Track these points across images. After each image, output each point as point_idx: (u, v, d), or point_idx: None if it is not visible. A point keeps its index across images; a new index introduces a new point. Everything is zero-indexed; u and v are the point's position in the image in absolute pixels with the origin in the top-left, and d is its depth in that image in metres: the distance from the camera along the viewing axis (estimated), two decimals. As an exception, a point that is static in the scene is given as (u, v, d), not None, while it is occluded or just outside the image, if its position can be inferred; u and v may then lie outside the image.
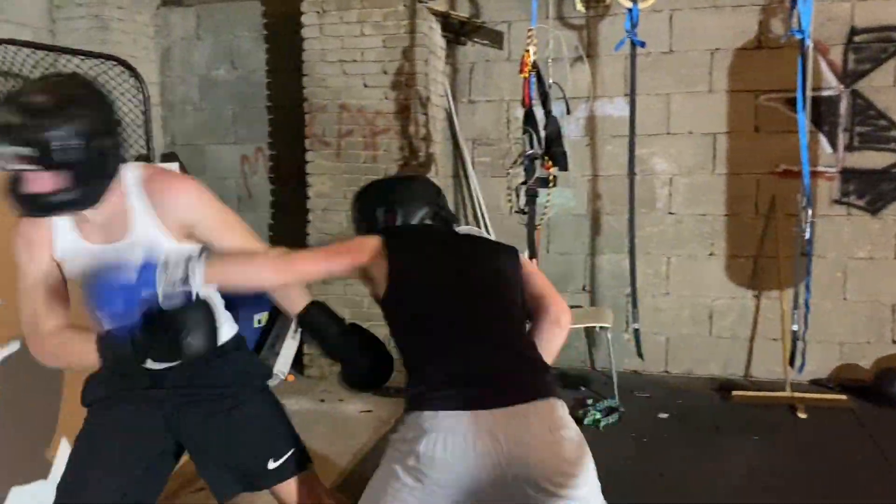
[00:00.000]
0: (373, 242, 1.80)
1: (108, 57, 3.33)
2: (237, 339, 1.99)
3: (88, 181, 1.62)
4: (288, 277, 1.81)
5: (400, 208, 1.93)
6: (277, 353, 4.71)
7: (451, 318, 1.72)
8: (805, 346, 4.02)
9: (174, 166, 3.55)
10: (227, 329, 1.94)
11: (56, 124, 1.52)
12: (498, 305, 1.78)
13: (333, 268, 1.83)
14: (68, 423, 2.37)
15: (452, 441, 1.54)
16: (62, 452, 2.49)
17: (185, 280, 1.56)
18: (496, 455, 1.54)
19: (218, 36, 5.20)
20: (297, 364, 4.80)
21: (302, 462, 1.98)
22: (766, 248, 4.46)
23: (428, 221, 1.95)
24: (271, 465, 1.93)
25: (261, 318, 4.91)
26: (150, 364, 1.77)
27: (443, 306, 1.73)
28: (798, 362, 4.05)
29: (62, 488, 1.84)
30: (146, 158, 3.42)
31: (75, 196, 1.61)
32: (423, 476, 1.56)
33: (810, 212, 3.89)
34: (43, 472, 2.45)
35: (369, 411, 4.15)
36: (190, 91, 5.30)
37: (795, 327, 3.99)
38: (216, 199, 1.85)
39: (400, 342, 1.76)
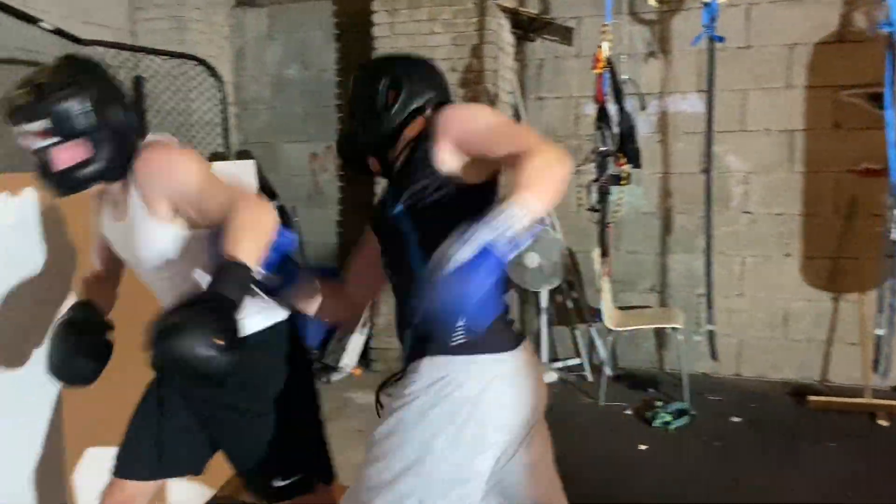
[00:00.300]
0: None
1: (190, 57, 3.43)
2: (258, 336, 1.79)
3: (107, 151, 1.65)
4: None
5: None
6: (344, 348, 4.78)
7: None
8: (890, 352, 3.86)
9: (249, 164, 3.63)
10: (257, 320, 1.79)
11: (65, 94, 1.59)
12: None
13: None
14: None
15: None
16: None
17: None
18: None
19: (290, 35, 5.30)
20: (364, 358, 4.86)
21: (310, 486, 1.91)
22: (845, 249, 4.30)
23: None
24: (277, 483, 1.87)
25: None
26: None
27: None
28: (882, 368, 3.89)
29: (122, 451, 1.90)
30: (223, 157, 3.51)
31: (98, 167, 1.64)
32: None
33: (897, 212, 3.73)
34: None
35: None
36: (262, 90, 5.42)
37: (880, 331, 3.83)
38: (195, 164, 1.70)
39: None
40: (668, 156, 4.59)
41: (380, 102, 1.65)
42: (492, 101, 4.41)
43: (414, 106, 1.65)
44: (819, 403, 4.05)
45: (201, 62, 3.37)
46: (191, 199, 1.65)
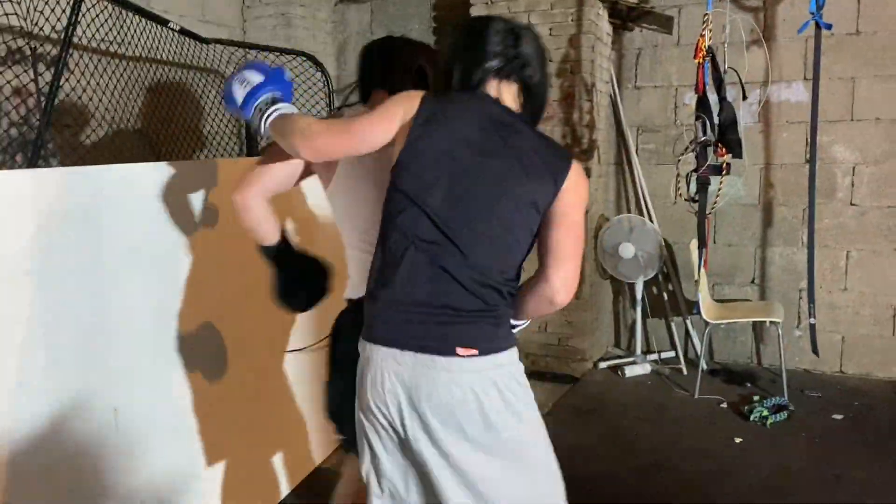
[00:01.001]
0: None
1: (298, 53, 3.61)
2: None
3: None
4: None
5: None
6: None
7: (431, 234, 1.54)
8: None
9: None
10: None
11: None
12: (492, 235, 1.55)
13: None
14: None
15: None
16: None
17: (264, 114, 1.70)
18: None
19: (390, 29, 5.44)
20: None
21: None
22: (963, 243, 4.10)
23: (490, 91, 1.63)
24: None
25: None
26: None
27: (431, 213, 1.54)
28: None
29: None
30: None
31: None
32: (360, 413, 1.64)
33: None
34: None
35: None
36: (363, 83, 5.59)
37: None
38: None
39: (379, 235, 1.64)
40: (771, 146, 4.48)
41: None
42: (588, 90, 4.42)
43: None
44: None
45: (309, 57, 3.54)
46: None
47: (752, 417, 3.77)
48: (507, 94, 1.63)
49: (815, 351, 4.04)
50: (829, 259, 4.40)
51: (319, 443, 3.16)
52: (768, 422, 3.72)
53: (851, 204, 4.34)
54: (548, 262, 1.58)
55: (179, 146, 3.51)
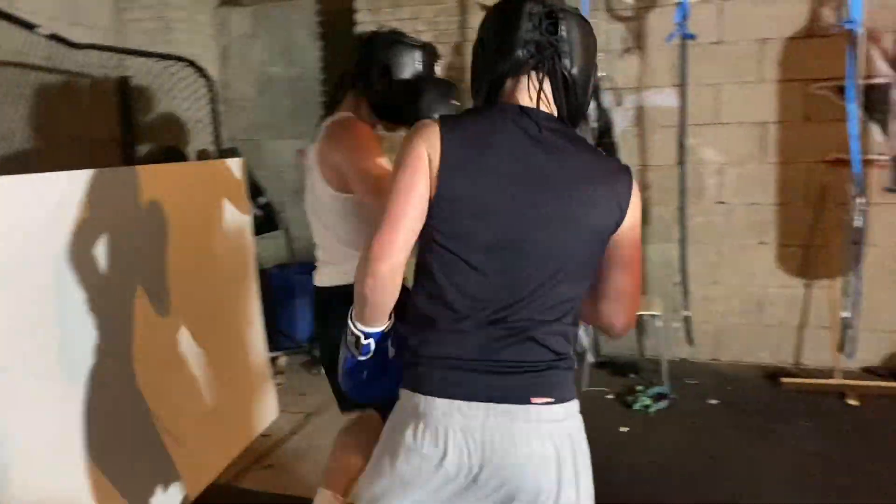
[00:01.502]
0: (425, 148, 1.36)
1: (177, 58, 3.51)
2: None
3: None
4: None
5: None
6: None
7: (485, 291, 1.36)
8: (855, 334, 4.04)
9: (237, 161, 3.72)
10: None
11: None
12: (553, 283, 1.37)
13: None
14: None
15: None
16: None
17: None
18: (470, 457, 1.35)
19: (274, 34, 5.38)
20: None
21: None
22: (816, 236, 4.47)
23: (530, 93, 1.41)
24: None
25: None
26: None
27: (479, 258, 1.36)
28: (848, 349, 4.08)
29: None
30: (207, 155, 3.59)
31: None
32: (400, 468, 1.38)
33: (861, 200, 3.90)
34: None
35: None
36: (247, 88, 5.49)
37: (846, 315, 4.01)
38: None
39: (420, 277, 1.44)
40: (645, 149, 4.73)
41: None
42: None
43: None
44: (792, 385, 4.22)
45: (190, 63, 3.44)
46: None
47: (635, 406, 3.98)
48: (543, 91, 1.40)
49: (689, 341, 4.31)
50: (702, 254, 4.70)
51: (214, 456, 3.10)
52: (650, 410, 3.94)
53: (719, 202, 4.65)
54: (609, 306, 1.46)
55: (53, 155, 3.34)
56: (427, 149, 1.34)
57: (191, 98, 3.78)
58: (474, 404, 1.35)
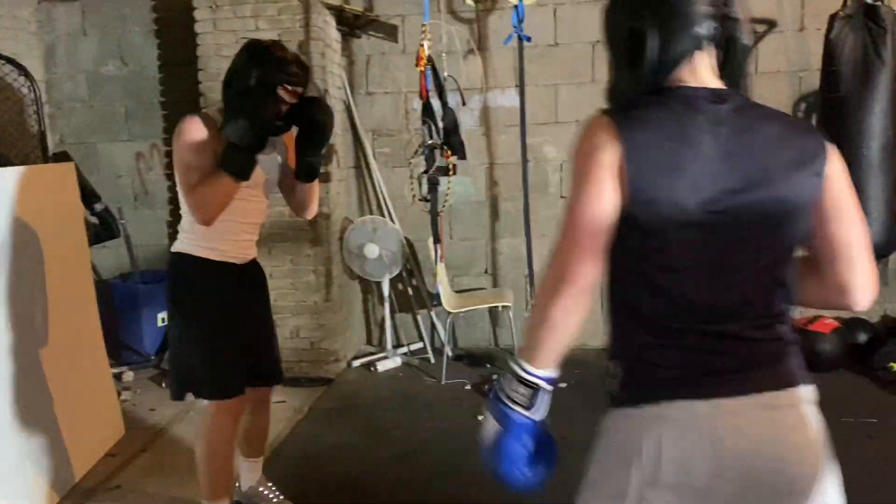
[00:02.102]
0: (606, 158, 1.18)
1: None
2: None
3: None
4: None
5: (659, 30, 1.22)
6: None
7: (701, 273, 1.24)
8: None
9: (67, 166, 3.49)
10: None
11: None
12: (772, 272, 1.27)
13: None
14: None
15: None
16: None
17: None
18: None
19: (106, 31, 5.07)
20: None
21: None
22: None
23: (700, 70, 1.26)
24: (281, 367, 2.77)
25: (164, 316, 4.87)
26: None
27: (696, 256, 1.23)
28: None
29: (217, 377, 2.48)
30: (33, 160, 3.35)
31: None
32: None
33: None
34: None
35: (283, 402, 4.22)
36: (78, 88, 5.15)
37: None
38: None
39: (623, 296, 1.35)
40: (493, 147, 4.90)
41: None
42: (321, 96, 4.48)
43: None
44: (633, 364, 4.52)
45: (10, 61, 3.18)
46: None
47: (491, 396, 4.11)
48: (711, 66, 1.27)
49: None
50: (547, 246, 4.89)
51: (55, 480, 2.90)
52: (506, 398, 4.08)
53: (562, 197, 4.91)
54: (839, 266, 1.28)
55: None
56: (608, 159, 1.18)
57: (11, 99, 3.48)
58: (737, 399, 1.24)
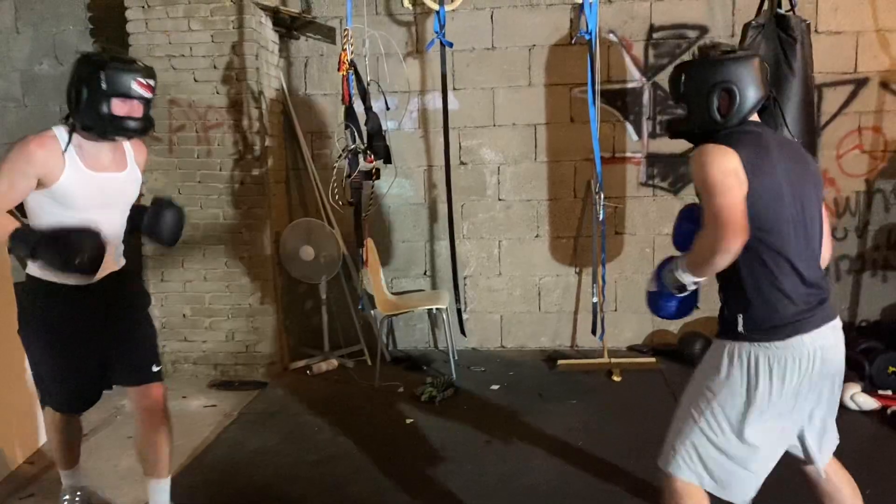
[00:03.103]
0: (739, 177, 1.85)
1: None
2: (130, 267, 2.65)
3: (150, 118, 2.41)
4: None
5: (741, 91, 1.93)
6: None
7: (795, 244, 1.94)
8: (604, 317, 4.47)
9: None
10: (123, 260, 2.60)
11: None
12: (817, 233, 2.00)
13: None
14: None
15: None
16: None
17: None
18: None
19: (39, 29, 4.99)
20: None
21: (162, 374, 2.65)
22: (583, 228, 4.86)
23: (754, 115, 1.99)
24: (154, 367, 2.61)
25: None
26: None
27: (789, 232, 1.93)
28: (598, 331, 4.52)
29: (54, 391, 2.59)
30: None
31: (146, 125, 2.38)
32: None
33: (602, 195, 4.31)
34: None
35: (213, 406, 4.20)
36: (11, 87, 5.06)
37: (595, 300, 4.41)
38: None
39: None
40: (431, 150, 4.91)
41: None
42: (256, 97, 4.47)
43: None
44: (567, 366, 4.58)
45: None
46: None
47: (423, 398, 4.13)
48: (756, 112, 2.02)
49: (462, 332, 4.57)
50: (485, 248, 4.96)
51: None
52: (436, 400, 4.10)
53: (500, 199, 4.93)
54: (823, 239, 2.08)
55: None
56: (735, 164, 1.85)
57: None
58: (823, 328, 1.96)
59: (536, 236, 4.93)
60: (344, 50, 3.68)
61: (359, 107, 3.85)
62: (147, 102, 2.37)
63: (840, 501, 2.10)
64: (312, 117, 4.95)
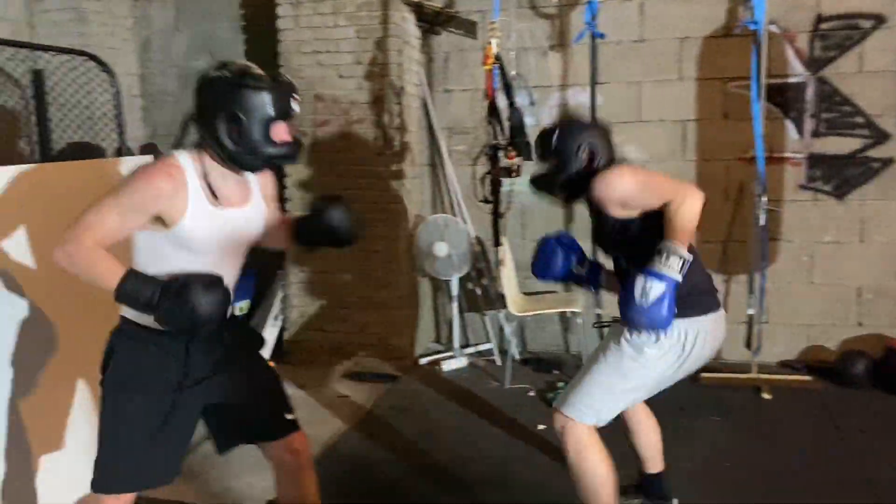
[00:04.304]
0: None
1: (78, 52, 3.39)
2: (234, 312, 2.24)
3: (297, 136, 2.05)
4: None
5: (600, 151, 2.40)
6: (259, 340, 4.80)
7: None
8: (761, 329, 4.12)
9: (148, 159, 3.61)
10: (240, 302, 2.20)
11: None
12: None
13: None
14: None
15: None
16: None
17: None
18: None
19: (196, 27, 5.25)
20: (277, 351, 4.90)
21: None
22: (734, 233, 4.54)
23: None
24: (289, 416, 2.21)
25: (242, 305, 5.01)
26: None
27: None
28: (755, 346, 4.18)
29: (110, 468, 1.99)
30: (120, 151, 3.48)
31: (298, 147, 2.02)
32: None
33: (765, 199, 3.98)
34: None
35: (346, 396, 4.26)
36: (169, 82, 5.35)
37: (751, 311, 4.08)
38: None
39: None
40: (570, 146, 4.73)
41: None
42: (398, 93, 4.48)
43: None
44: (710, 380, 4.28)
45: (92, 57, 3.32)
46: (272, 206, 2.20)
47: (554, 403, 3.98)
48: None
49: (601, 338, 4.34)
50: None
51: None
52: (570, 407, 3.94)
53: (642, 199, 4.69)
54: None
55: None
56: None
57: (105, 93, 3.65)
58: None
59: (681, 240, 4.65)
60: (489, 43, 3.59)
61: (501, 102, 3.76)
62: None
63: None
64: (450, 113, 4.91)
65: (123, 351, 1.98)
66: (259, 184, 2.10)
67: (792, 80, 4.40)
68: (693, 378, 4.32)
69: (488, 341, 4.92)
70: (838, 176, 4.40)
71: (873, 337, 4.41)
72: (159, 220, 1.85)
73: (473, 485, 3.16)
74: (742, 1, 4.36)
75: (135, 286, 1.76)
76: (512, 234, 4.83)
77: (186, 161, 1.90)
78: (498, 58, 3.61)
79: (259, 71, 1.90)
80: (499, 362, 4.70)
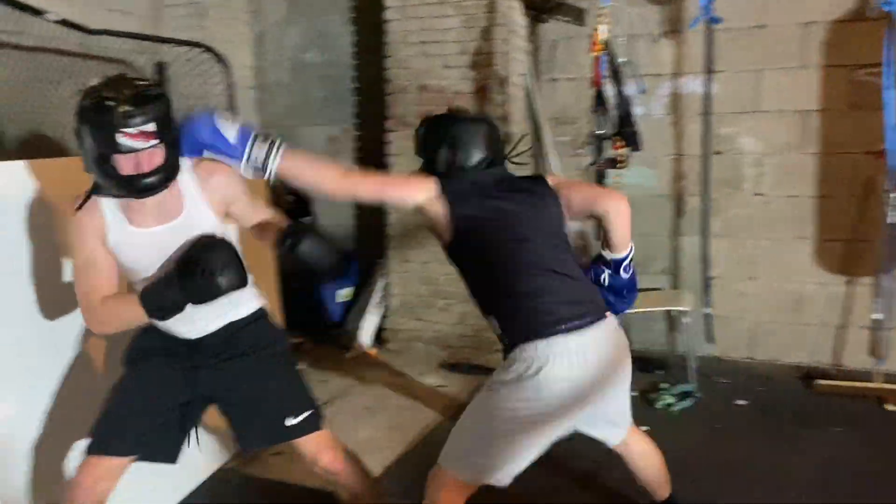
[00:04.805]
0: (430, 185, 2.06)
1: (195, 44, 3.53)
2: (259, 312, 2.23)
3: (175, 159, 1.88)
4: (345, 192, 2.10)
5: (462, 150, 2.15)
6: (360, 328, 4.89)
7: (516, 260, 2.05)
8: (887, 336, 3.81)
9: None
10: (253, 303, 2.20)
11: (164, 103, 1.81)
12: (548, 240, 2.12)
13: (387, 196, 2.19)
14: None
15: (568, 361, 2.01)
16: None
17: (266, 159, 1.88)
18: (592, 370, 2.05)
19: (308, 20, 5.38)
20: (377, 337, 4.97)
21: (317, 422, 2.22)
22: (859, 231, 4.22)
23: (483, 166, 2.17)
24: (289, 421, 2.15)
25: (344, 293, 5.12)
26: (188, 320, 1.99)
27: (507, 251, 2.05)
28: (880, 353, 3.87)
29: (98, 430, 2.08)
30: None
31: (168, 174, 1.86)
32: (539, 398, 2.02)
33: (894, 195, 3.67)
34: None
35: (443, 386, 4.26)
36: (282, 74, 5.52)
37: (877, 316, 3.77)
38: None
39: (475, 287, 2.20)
40: (681, 137, 4.55)
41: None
42: (502, 82, 4.42)
43: None
44: (827, 387, 4.02)
45: (208, 49, 3.46)
46: (246, 211, 2.09)
47: (657, 405, 3.85)
48: None
49: (709, 339, 4.16)
50: (738, 248, 4.50)
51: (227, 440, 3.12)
52: (674, 409, 3.80)
53: (757, 194, 4.44)
54: None
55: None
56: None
57: (213, 81, 3.82)
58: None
59: (800, 238, 4.38)
60: (596, 29, 3.48)
61: (608, 91, 3.64)
62: (161, 144, 1.80)
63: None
64: (555, 102, 4.80)
65: (141, 336, 2.15)
66: (205, 191, 1.99)
67: (931, 66, 4.03)
68: (806, 385, 4.10)
69: (588, 337, 4.81)
70: (982, 172, 4.01)
71: None
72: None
73: (574, 485, 3.09)
74: (875, -19, 4.04)
75: (154, 301, 1.86)
76: (616, 227, 4.69)
77: (103, 196, 1.93)
78: (606, 44, 3.49)
79: (106, 94, 1.75)
80: (599, 359, 4.57)
